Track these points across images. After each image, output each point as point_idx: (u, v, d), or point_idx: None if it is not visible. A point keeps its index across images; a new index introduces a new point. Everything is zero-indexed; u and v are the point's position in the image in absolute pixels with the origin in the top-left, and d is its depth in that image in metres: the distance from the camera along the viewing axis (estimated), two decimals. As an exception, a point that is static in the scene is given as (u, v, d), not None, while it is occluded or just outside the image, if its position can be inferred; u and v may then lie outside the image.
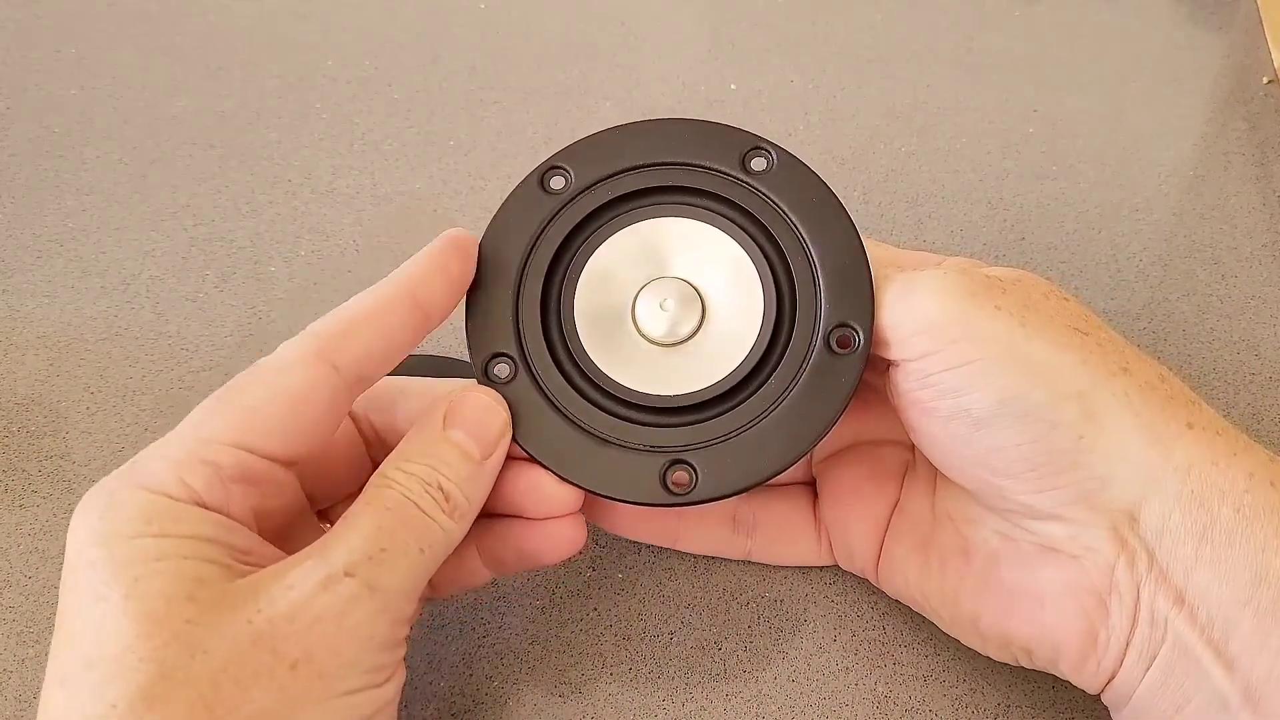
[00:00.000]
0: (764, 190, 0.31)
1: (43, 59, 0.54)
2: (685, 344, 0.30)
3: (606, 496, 0.29)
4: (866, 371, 0.32)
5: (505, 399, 0.29)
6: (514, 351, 0.30)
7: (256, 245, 0.45)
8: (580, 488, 0.29)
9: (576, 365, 0.30)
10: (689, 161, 0.31)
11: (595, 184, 0.31)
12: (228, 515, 0.26)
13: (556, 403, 0.29)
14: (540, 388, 0.29)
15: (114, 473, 0.26)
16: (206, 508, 0.25)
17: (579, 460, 0.29)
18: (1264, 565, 0.25)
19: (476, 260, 0.30)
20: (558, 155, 0.32)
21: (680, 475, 0.28)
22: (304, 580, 0.25)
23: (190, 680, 0.23)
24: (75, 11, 0.57)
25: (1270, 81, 0.52)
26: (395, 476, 0.27)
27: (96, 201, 0.47)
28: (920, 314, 0.28)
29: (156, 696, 0.23)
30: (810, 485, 0.35)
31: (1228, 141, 0.49)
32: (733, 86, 0.53)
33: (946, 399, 0.28)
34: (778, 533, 0.34)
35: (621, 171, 0.31)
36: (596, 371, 0.30)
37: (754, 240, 0.31)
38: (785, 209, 0.31)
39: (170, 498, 0.25)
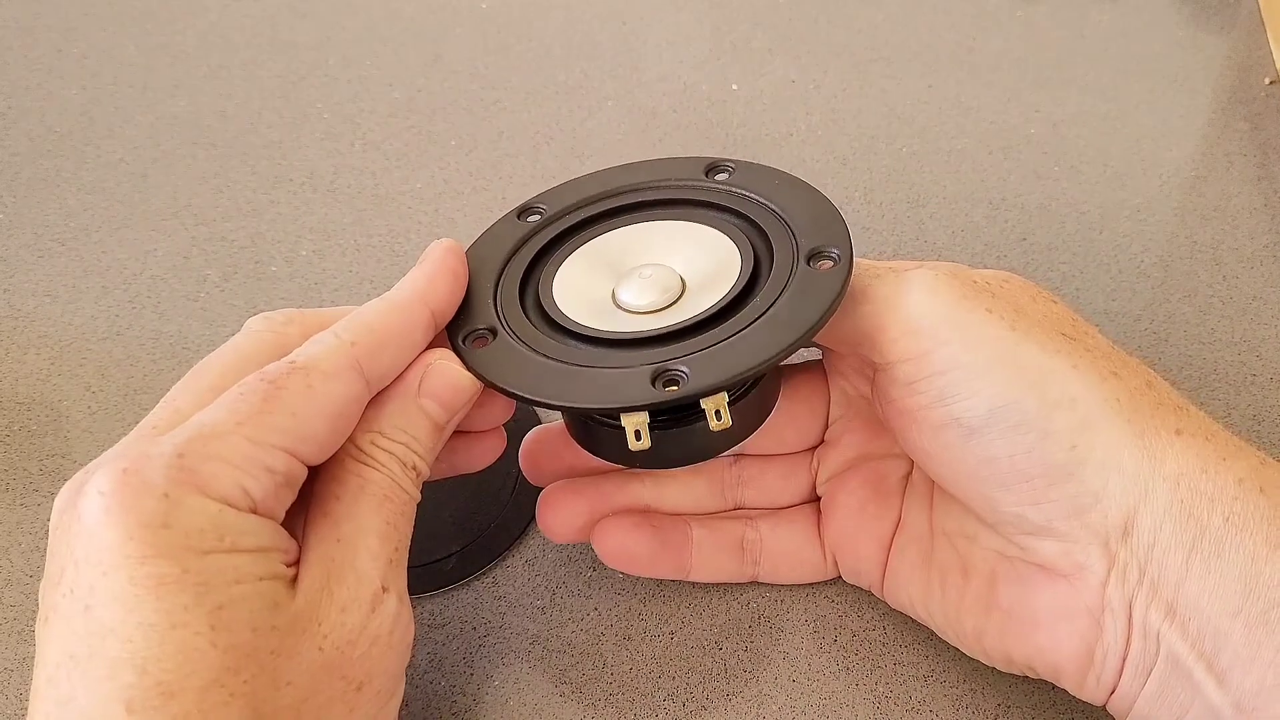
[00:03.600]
0: (727, 186, 0.32)
1: (44, 59, 0.54)
2: (666, 310, 0.30)
3: (596, 409, 0.28)
4: (858, 381, 0.33)
5: (483, 359, 0.29)
6: (493, 325, 0.30)
7: (258, 245, 0.46)
8: (569, 409, 0.28)
9: (557, 325, 0.30)
10: (656, 183, 0.33)
11: (570, 210, 0.33)
12: (274, 519, 0.25)
13: (537, 349, 0.29)
14: (521, 340, 0.29)
15: (151, 464, 0.23)
16: (258, 513, 0.25)
17: (565, 387, 0.28)
18: (1254, 574, 0.25)
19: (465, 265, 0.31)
20: (531, 199, 0.34)
21: (671, 378, 0.27)
22: (354, 602, 0.25)
23: (278, 712, 0.23)
24: (77, 11, 0.57)
25: (1272, 82, 0.52)
26: (378, 456, 0.27)
27: (98, 201, 0.47)
28: (909, 313, 0.28)
29: None
30: (814, 504, 0.34)
31: (1229, 142, 0.49)
32: (734, 87, 0.53)
33: (937, 407, 0.27)
34: (784, 555, 0.34)
35: (593, 199, 0.33)
36: (578, 325, 0.29)
37: (723, 220, 0.32)
38: (751, 193, 0.32)
39: (233, 506, 0.24)
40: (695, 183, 0.33)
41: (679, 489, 0.34)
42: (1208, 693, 0.25)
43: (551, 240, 0.32)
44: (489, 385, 0.29)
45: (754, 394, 0.29)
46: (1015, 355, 0.27)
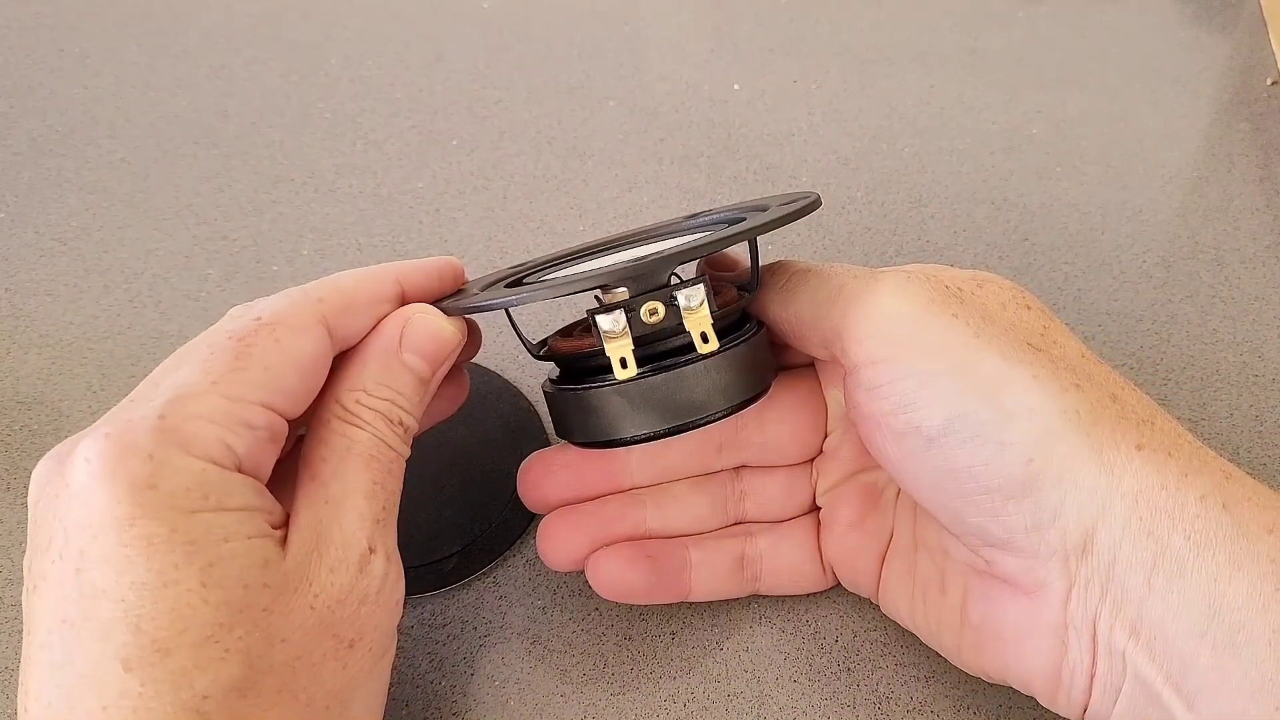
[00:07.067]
0: (710, 214, 0.34)
1: (46, 58, 0.54)
2: None
3: (567, 291, 0.28)
4: (834, 387, 0.33)
5: (457, 301, 0.29)
6: (473, 293, 0.31)
7: (259, 244, 0.46)
8: (539, 295, 0.28)
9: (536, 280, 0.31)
10: (645, 231, 0.36)
11: (564, 255, 0.35)
12: (259, 478, 0.25)
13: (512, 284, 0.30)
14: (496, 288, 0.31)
15: (133, 427, 0.23)
16: (243, 472, 0.25)
17: (538, 290, 0.28)
18: (1217, 595, 0.24)
19: (461, 282, 0.31)
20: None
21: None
22: (342, 564, 0.25)
23: (273, 669, 0.24)
24: (79, 11, 0.57)
25: (1274, 83, 0.52)
26: (364, 415, 0.27)
27: (99, 200, 0.47)
28: (875, 316, 0.28)
29: (248, 686, 0.23)
30: (814, 516, 0.34)
31: (1231, 143, 0.49)
32: (736, 86, 0.53)
33: (899, 414, 0.27)
34: (784, 569, 0.34)
35: (587, 246, 0.35)
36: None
37: (709, 225, 0.33)
38: (734, 211, 0.33)
39: (217, 465, 0.24)
40: (678, 222, 0.35)
41: (679, 509, 0.33)
42: (1178, 715, 0.25)
43: (544, 268, 0.34)
44: (462, 311, 0.29)
45: (744, 347, 0.29)
46: (975, 364, 0.27)
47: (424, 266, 0.30)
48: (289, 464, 0.27)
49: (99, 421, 0.25)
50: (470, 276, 0.33)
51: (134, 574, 0.23)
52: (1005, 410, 0.26)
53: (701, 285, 0.28)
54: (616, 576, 0.32)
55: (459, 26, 0.56)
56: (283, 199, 0.47)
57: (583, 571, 0.33)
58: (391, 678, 0.28)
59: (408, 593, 0.28)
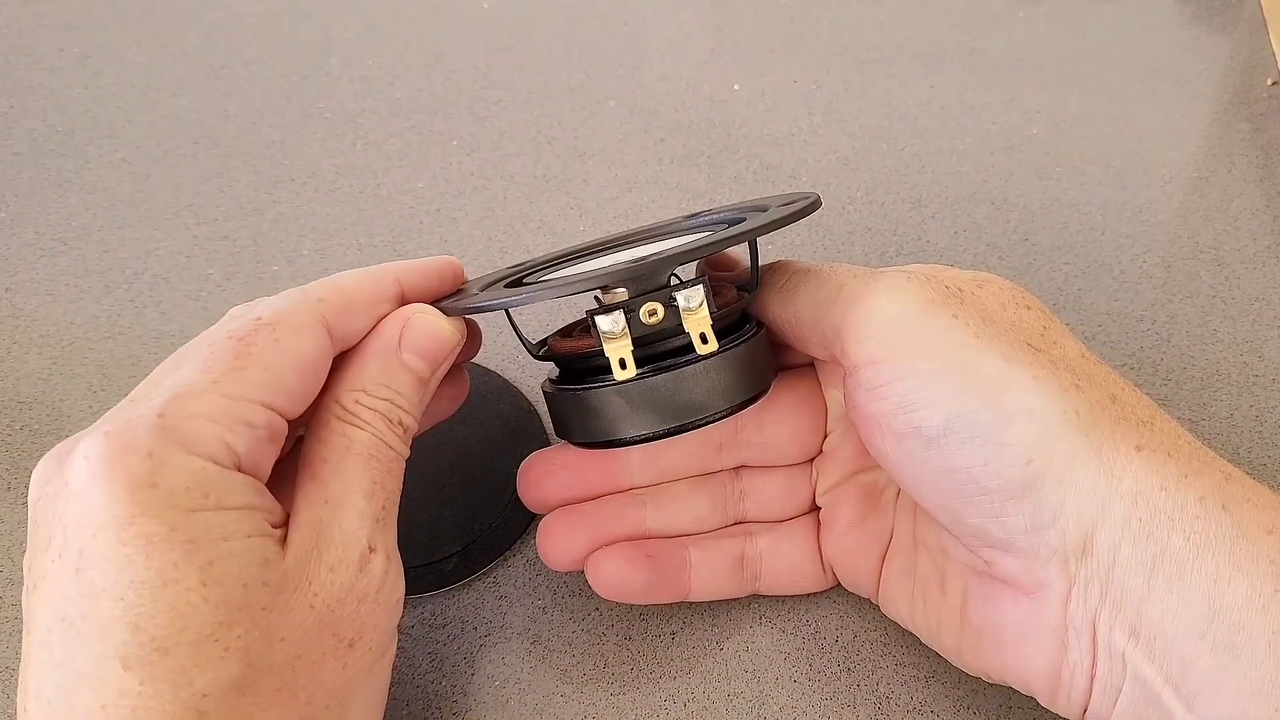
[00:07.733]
0: (710, 214, 0.34)
1: (46, 58, 0.54)
2: None
3: (568, 292, 0.28)
4: (834, 387, 0.33)
5: (456, 301, 0.29)
6: (473, 293, 0.31)
7: (259, 244, 0.46)
8: (539, 296, 0.28)
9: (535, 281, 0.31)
10: (644, 230, 0.36)
11: (563, 255, 0.35)
12: (259, 477, 0.25)
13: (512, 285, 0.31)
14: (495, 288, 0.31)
15: (133, 425, 0.23)
16: (243, 471, 0.25)
17: (537, 290, 0.28)
18: (1217, 596, 0.24)
19: (460, 282, 0.31)
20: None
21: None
22: (342, 563, 0.25)
23: (273, 668, 0.24)
24: (79, 11, 0.57)
25: (1275, 83, 0.52)
26: (363, 414, 0.27)
27: (100, 200, 0.47)
28: (874, 317, 0.28)
29: (247, 685, 0.23)
30: (814, 515, 0.34)
31: (1231, 143, 0.49)
32: (736, 87, 0.53)
33: (899, 415, 0.27)
34: (784, 569, 0.34)
35: (586, 246, 0.35)
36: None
37: (709, 225, 0.33)
38: (734, 211, 0.33)
39: (216, 464, 0.24)
40: (678, 221, 0.35)
41: (679, 509, 0.33)
42: (1177, 716, 0.25)
43: (543, 268, 0.34)
44: (462, 311, 0.29)
45: (744, 348, 0.29)
46: (975, 364, 0.27)
47: (424, 266, 0.30)
48: (289, 464, 0.27)
49: (99, 421, 0.25)
50: (470, 276, 0.33)
51: (133, 572, 0.23)
52: (1005, 411, 0.26)
53: (701, 286, 0.28)
54: (616, 576, 0.32)
55: (459, 26, 0.56)
56: (283, 199, 0.47)
57: (583, 571, 0.33)
58: (391, 677, 0.28)
59: (408, 593, 0.28)
